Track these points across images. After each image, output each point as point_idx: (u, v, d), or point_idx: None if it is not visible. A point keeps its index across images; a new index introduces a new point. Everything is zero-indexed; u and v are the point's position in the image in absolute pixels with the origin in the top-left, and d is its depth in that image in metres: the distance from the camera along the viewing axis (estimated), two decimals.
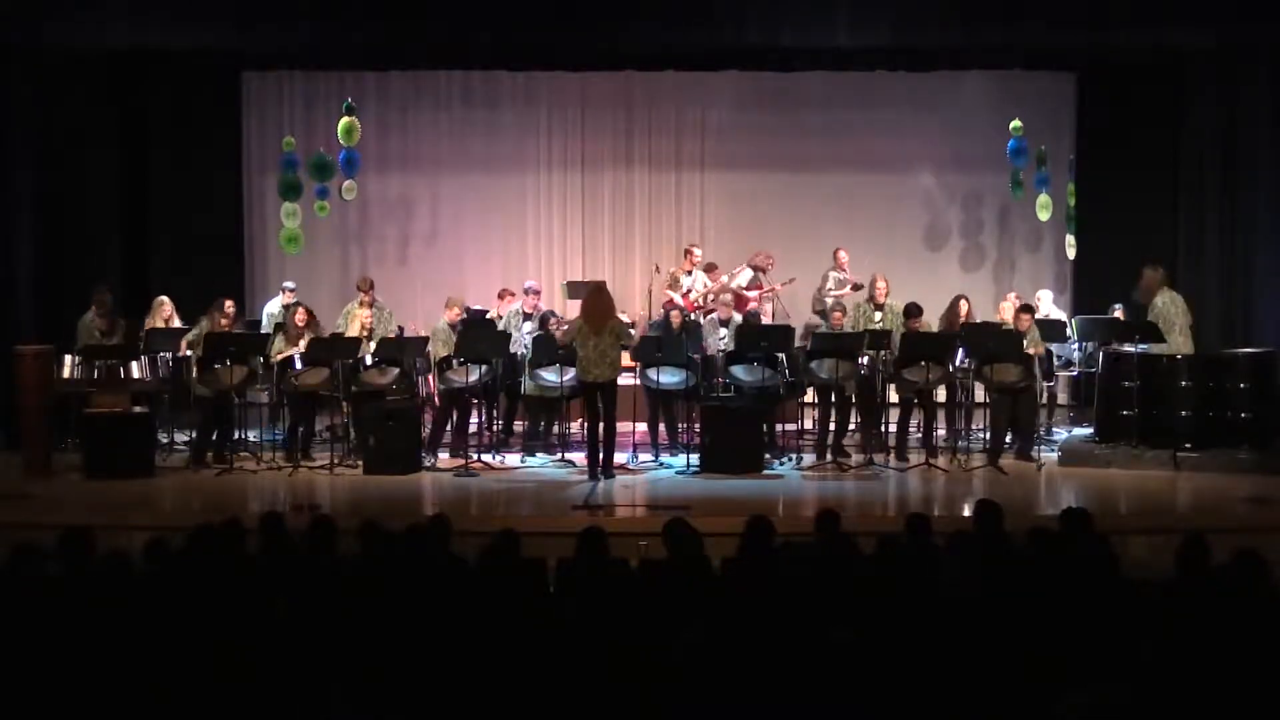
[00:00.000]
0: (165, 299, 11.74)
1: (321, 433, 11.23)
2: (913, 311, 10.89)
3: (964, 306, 11.59)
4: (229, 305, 11.02)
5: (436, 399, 11.10)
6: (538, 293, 11.88)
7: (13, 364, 10.29)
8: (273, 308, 12.48)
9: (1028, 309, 10.91)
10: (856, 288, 12.34)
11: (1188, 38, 11.74)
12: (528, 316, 11.54)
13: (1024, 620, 4.74)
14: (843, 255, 12.83)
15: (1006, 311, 11.45)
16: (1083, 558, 5.42)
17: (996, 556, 5.56)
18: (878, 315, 11.23)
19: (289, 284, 12.64)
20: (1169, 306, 10.74)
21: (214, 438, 10.67)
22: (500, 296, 12.14)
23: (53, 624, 4.72)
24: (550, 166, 14.41)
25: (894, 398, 11.07)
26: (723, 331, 11.25)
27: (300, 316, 11.05)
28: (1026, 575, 5.34)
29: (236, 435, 10.84)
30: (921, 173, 14.25)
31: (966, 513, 8.86)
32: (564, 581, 5.64)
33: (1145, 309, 11.01)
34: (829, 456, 10.62)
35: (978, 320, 11.65)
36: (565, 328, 10.57)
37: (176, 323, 11.59)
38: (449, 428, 11.00)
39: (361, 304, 11.29)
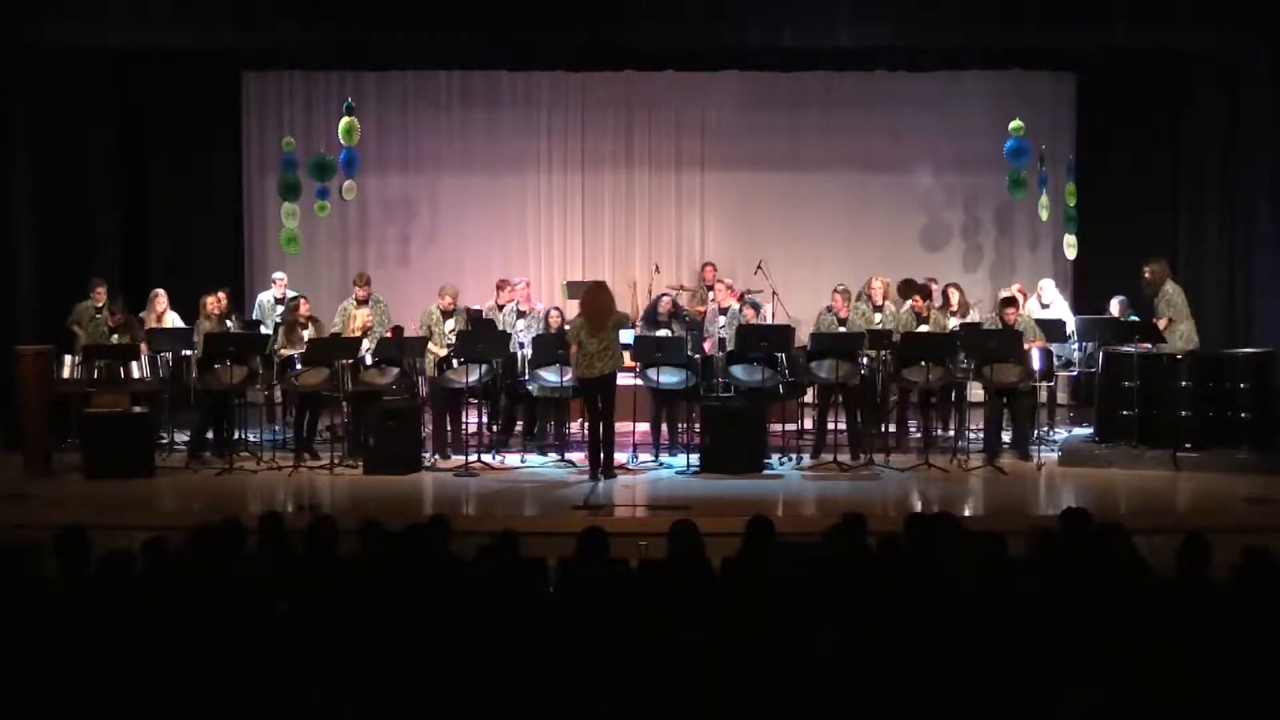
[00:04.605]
0: (160, 291, 11.78)
1: (322, 432, 11.23)
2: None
3: (954, 295, 11.63)
4: (219, 294, 11.16)
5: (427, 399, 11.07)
6: (526, 284, 11.90)
7: (13, 364, 10.28)
8: (264, 298, 12.49)
9: (1011, 302, 10.89)
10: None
11: (1188, 38, 11.73)
12: (522, 314, 11.53)
13: (1025, 620, 4.74)
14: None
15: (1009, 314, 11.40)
16: (1092, 559, 5.42)
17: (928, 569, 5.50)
18: (878, 317, 11.23)
19: (278, 275, 12.66)
20: (1179, 295, 10.89)
21: (212, 436, 10.68)
22: (498, 288, 12.05)
23: (52, 624, 4.72)
24: (550, 166, 14.42)
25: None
26: (721, 319, 11.26)
27: (304, 309, 11.06)
28: (1026, 577, 5.34)
29: (236, 435, 10.85)
30: (921, 173, 14.25)
31: (967, 513, 8.90)
32: (564, 581, 5.64)
33: (1150, 302, 11.04)
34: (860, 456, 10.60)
35: (970, 304, 11.77)
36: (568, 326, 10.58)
37: (171, 315, 11.63)
38: (448, 427, 11.00)
39: (358, 301, 11.27)
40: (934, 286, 12.19)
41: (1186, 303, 11.06)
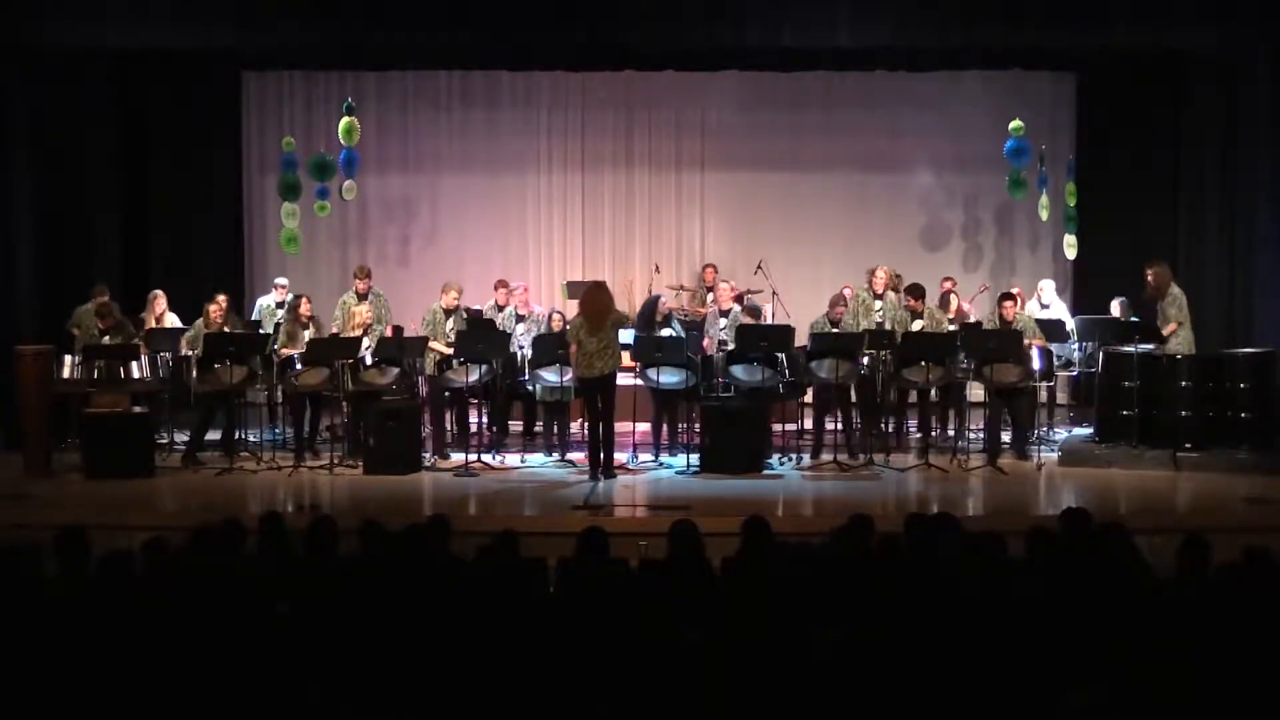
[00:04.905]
0: (159, 292, 11.81)
1: (322, 432, 11.23)
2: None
3: (954, 301, 11.64)
4: (220, 299, 11.07)
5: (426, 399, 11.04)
6: (524, 289, 11.90)
7: (13, 364, 10.28)
8: (265, 301, 12.49)
9: (1009, 296, 10.88)
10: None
11: (1188, 38, 11.74)
12: (521, 318, 11.51)
13: (1025, 620, 4.74)
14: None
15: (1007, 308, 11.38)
16: (1092, 558, 5.42)
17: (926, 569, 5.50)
18: (877, 304, 11.19)
19: (280, 280, 12.64)
20: (1184, 299, 10.88)
21: (209, 437, 10.68)
22: (496, 288, 12.02)
23: (52, 624, 4.72)
24: (550, 166, 14.44)
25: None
26: (723, 321, 11.26)
27: (305, 308, 11.07)
28: (1027, 576, 5.34)
29: (237, 435, 10.84)
30: (921, 173, 14.26)
31: (968, 513, 8.89)
32: (564, 581, 5.63)
33: (1151, 305, 11.04)
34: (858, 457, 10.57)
35: (967, 308, 11.74)
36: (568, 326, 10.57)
37: (170, 317, 11.62)
38: (449, 427, 11.00)
39: (358, 295, 11.23)
40: (945, 288, 12.18)
41: (1188, 308, 11.06)
